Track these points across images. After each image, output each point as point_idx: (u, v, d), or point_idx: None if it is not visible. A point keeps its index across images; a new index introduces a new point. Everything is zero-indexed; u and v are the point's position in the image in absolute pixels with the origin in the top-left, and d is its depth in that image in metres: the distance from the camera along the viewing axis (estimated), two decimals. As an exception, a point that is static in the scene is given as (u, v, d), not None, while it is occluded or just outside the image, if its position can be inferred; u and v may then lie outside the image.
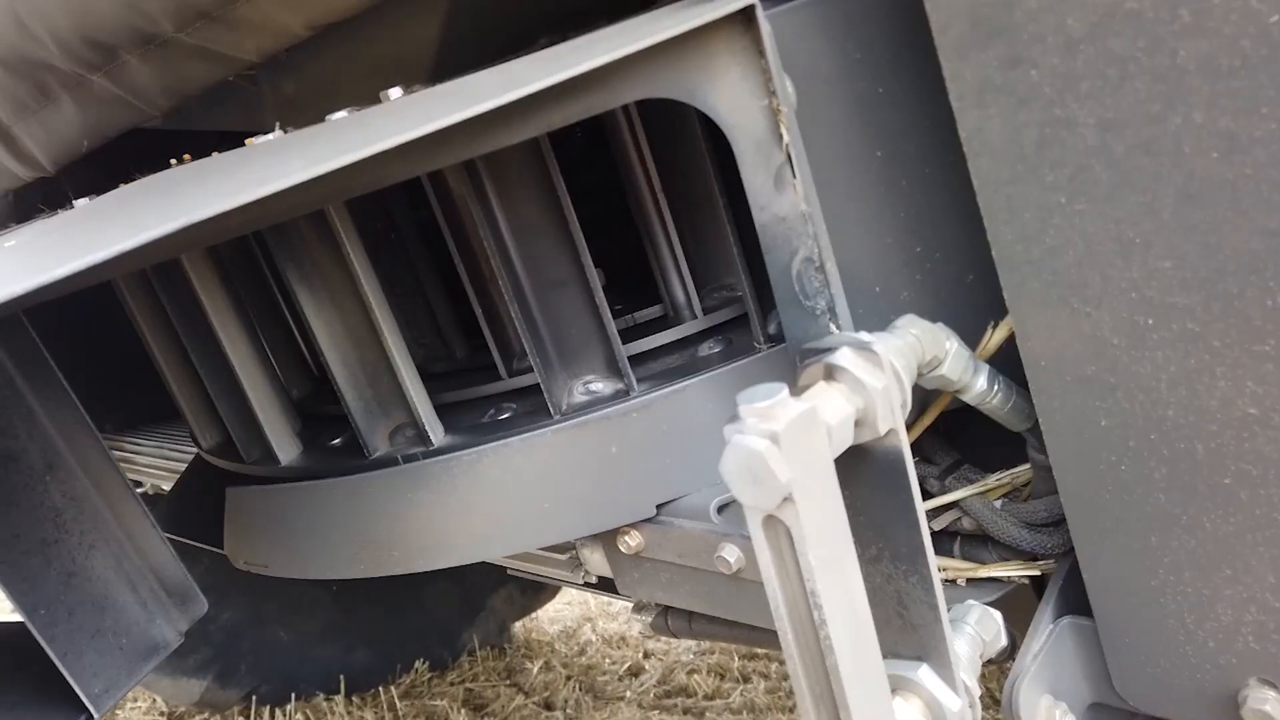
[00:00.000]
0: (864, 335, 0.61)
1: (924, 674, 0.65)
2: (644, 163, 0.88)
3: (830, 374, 0.60)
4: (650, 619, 1.21)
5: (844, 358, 0.59)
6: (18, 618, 0.83)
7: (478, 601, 3.61)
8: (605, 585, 1.19)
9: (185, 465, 1.66)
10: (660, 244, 0.92)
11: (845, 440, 0.58)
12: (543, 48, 0.95)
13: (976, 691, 0.67)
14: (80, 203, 1.09)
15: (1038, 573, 0.81)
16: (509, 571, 1.52)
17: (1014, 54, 0.55)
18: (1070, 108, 0.55)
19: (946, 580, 0.83)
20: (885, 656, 0.68)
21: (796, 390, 0.60)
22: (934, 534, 0.87)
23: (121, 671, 0.79)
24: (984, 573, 0.83)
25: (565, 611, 4.35)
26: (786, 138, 0.62)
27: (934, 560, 0.63)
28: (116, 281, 1.04)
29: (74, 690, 0.76)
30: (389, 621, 3.39)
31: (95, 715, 0.75)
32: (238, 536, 0.98)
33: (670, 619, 1.18)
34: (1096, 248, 0.58)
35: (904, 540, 0.63)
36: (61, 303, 0.77)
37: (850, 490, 0.64)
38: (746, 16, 0.60)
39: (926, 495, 0.84)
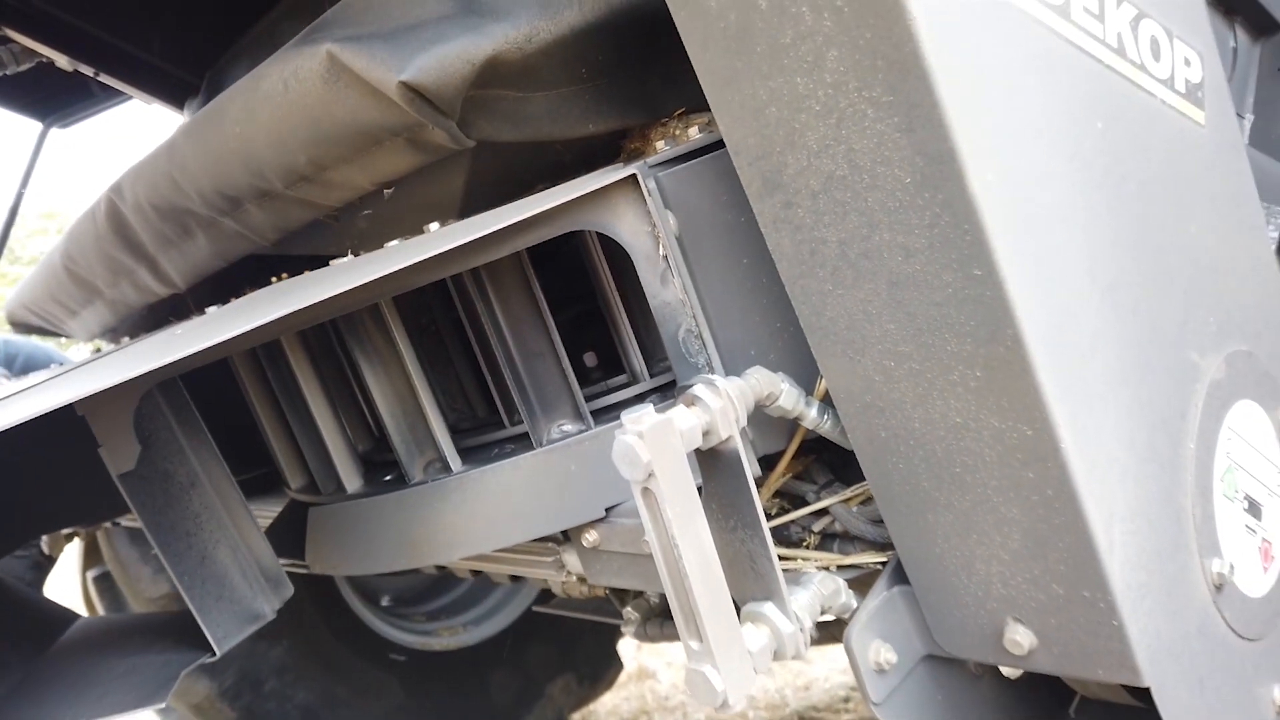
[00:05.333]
0: (712, 376, 0.94)
1: (768, 608, 0.95)
2: (604, 271, 1.24)
3: (690, 400, 0.93)
4: (633, 630, 1.51)
5: (697, 389, 0.92)
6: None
7: (536, 689, 3.81)
8: (607, 604, 1.50)
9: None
10: (622, 330, 1.27)
11: (695, 440, 0.90)
12: (538, 191, 1.34)
13: (809, 622, 0.97)
14: (211, 310, 1.49)
15: (885, 558, 1.10)
16: (534, 609, 1.84)
17: (787, 199, 0.90)
18: (822, 232, 0.89)
19: (823, 567, 1.13)
20: (745, 600, 0.98)
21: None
22: (820, 536, 1.18)
23: (234, 628, 1.14)
24: (847, 561, 1.13)
25: (623, 706, 4.54)
26: (664, 251, 0.97)
27: (766, 526, 0.94)
28: (233, 360, 1.43)
29: (202, 639, 1.10)
30: (452, 707, 3.59)
31: (217, 652, 1.09)
32: (315, 548, 1.33)
33: (647, 628, 1.48)
34: (854, 317, 0.91)
35: (746, 513, 0.94)
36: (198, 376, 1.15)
37: (714, 481, 0.96)
38: (635, 180, 0.96)
39: (805, 504, 1.15)
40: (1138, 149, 0.96)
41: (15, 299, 2.58)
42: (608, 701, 4.50)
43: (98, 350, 2.39)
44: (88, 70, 3.20)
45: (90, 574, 3.55)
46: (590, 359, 1.51)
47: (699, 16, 0.85)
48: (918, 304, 0.85)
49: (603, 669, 3.97)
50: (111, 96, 3.86)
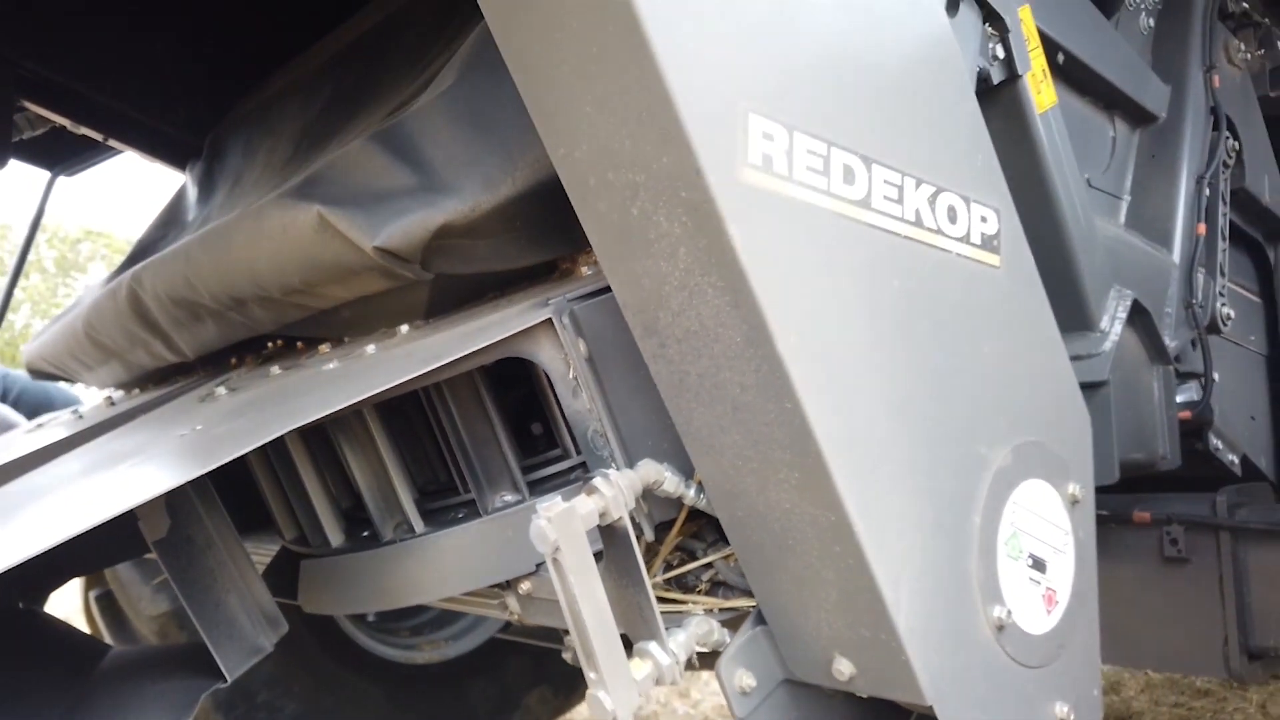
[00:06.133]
0: (609, 470, 1.24)
1: (652, 646, 1.25)
2: (543, 375, 1.54)
3: (590, 490, 1.23)
4: (571, 656, 1.81)
5: (596, 480, 1.22)
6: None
7: (515, 700, 4.06)
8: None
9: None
10: (559, 418, 1.57)
11: (593, 521, 1.20)
12: (489, 300, 1.64)
13: (684, 657, 1.27)
14: (220, 392, 1.79)
15: (754, 603, 1.40)
16: (496, 635, 2.13)
17: (661, 341, 1.20)
18: (686, 367, 1.19)
19: (708, 610, 1.43)
20: (637, 639, 1.28)
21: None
22: (710, 583, 1.48)
23: (241, 660, 1.43)
24: (727, 604, 1.43)
25: (600, 715, 4.77)
26: (573, 372, 1.28)
27: (649, 584, 1.24)
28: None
29: (216, 668, 1.40)
30: (433, 717, 3.85)
31: (228, 679, 1.39)
32: (307, 591, 1.62)
33: (583, 654, 1.78)
34: (712, 429, 1.21)
35: (634, 575, 1.24)
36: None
37: (611, 549, 1.26)
38: (551, 320, 1.27)
39: (695, 558, 1.46)
40: (932, 296, 1.27)
41: (35, 352, 2.87)
42: (583, 711, 4.75)
43: (110, 401, 2.68)
44: (97, 136, 3.49)
45: (92, 593, 3.82)
46: (537, 428, 1.81)
47: (593, 215, 1.16)
48: (753, 423, 1.16)
49: (578, 681, 4.19)
50: (115, 149, 4.15)
